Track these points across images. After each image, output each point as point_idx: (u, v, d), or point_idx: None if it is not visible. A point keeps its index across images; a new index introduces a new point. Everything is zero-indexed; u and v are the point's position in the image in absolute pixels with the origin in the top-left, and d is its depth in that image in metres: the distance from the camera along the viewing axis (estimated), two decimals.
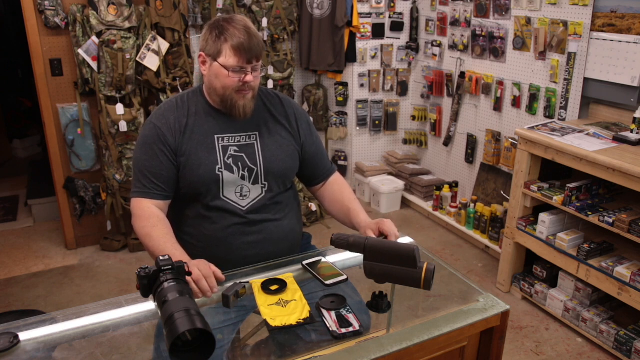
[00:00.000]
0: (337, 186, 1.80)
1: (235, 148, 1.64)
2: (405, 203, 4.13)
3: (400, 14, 3.97)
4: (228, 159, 1.63)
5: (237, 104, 1.59)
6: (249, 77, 1.56)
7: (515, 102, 3.25)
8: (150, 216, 1.56)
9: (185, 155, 1.61)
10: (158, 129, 1.61)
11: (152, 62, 3.16)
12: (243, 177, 1.64)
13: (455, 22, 3.63)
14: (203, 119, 1.64)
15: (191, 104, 1.66)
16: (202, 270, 1.34)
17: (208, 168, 1.61)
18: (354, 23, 3.84)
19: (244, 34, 1.53)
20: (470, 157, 3.70)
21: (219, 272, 1.40)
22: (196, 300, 1.22)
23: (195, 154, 1.61)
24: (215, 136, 1.63)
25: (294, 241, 1.76)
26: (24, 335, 1.24)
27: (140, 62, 3.13)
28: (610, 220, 2.31)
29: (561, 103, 2.93)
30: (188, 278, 1.29)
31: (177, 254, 1.45)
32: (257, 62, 1.57)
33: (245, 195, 1.65)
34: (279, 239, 1.69)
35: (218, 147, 1.63)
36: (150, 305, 1.33)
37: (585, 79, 2.80)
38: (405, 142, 4.25)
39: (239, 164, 1.63)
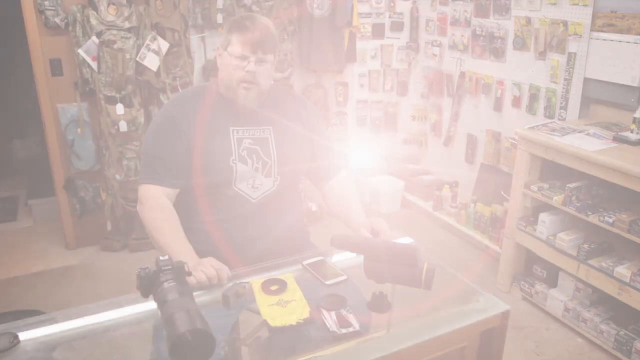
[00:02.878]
0: (341, 185, 1.81)
1: (249, 141, 1.66)
2: (405, 203, 4.13)
3: (400, 14, 3.97)
4: (242, 151, 1.64)
5: (239, 96, 1.60)
6: (250, 66, 1.56)
7: (515, 102, 3.24)
8: (162, 208, 1.56)
9: (199, 144, 1.61)
10: (173, 115, 1.63)
11: (152, 62, 3.16)
12: (256, 170, 1.65)
13: (455, 22, 3.63)
14: (217, 111, 1.66)
15: (206, 95, 1.68)
16: (206, 273, 1.35)
17: (221, 158, 1.62)
18: (354, 23, 3.84)
19: (253, 25, 1.56)
20: (470, 157, 3.69)
21: (223, 272, 1.40)
22: (196, 300, 1.22)
23: (210, 144, 1.62)
24: (231, 128, 1.65)
25: (295, 239, 1.76)
26: (24, 335, 1.23)
27: (140, 62, 3.13)
28: (610, 220, 2.31)
29: (561, 103, 2.93)
30: (188, 278, 1.29)
31: (185, 251, 1.46)
32: (264, 54, 1.58)
33: (257, 188, 1.66)
34: (281, 235, 1.70)
35: (233, 138, 1.64)
36: (150, 305, 1.33)
37: (586, 79, 2.80)
38: (405, 142, 4.24)
39: (254, 156, 1.65)
